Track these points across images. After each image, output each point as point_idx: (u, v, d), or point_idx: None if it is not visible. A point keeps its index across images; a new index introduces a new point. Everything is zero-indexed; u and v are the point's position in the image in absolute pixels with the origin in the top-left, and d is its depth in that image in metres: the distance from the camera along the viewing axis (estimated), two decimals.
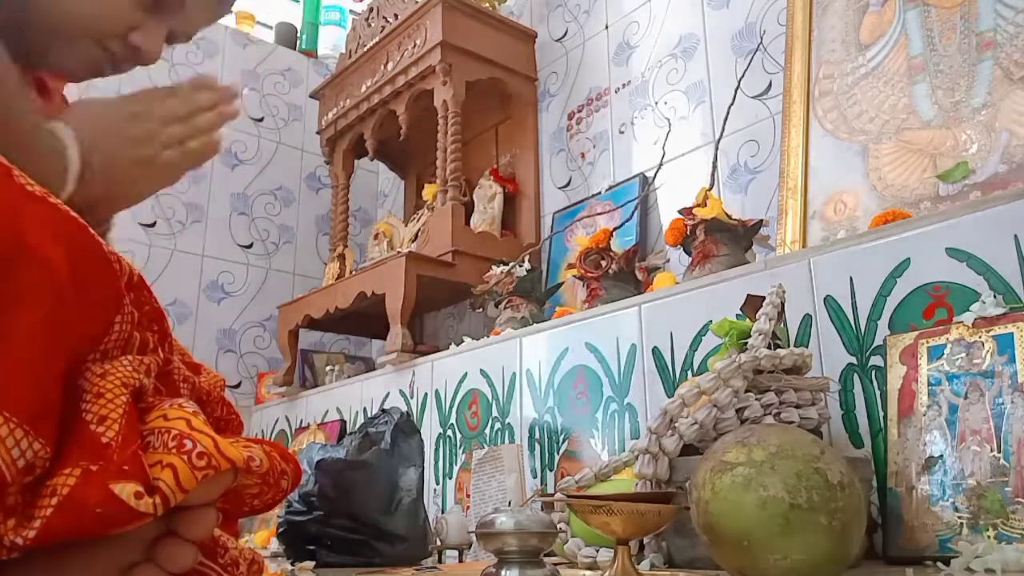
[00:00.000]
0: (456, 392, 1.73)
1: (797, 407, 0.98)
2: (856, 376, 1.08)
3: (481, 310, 1.95)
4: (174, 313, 2.45)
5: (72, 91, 0.84)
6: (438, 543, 1.32)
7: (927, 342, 0.97)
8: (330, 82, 2.55)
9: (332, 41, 3.03)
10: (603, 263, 1.60)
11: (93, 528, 0.40)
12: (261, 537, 1.78)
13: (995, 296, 0.94)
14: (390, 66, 2.25)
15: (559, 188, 2.11)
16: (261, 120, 2.80)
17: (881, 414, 1.02)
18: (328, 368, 2.31)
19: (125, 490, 0.40)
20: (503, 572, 0.75)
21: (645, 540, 0.98)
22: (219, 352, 2.53)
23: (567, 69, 2.17)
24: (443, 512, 1.58)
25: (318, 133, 2.59)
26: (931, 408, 0.94)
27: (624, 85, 1.98)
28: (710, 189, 1.43)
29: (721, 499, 0.69)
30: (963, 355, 0.93)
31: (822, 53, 1.48)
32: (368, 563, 1.23)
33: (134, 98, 0.69)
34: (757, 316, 1.05)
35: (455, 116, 2.08)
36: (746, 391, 0.97)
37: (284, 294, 2.62)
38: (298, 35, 3.04)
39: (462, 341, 1.80)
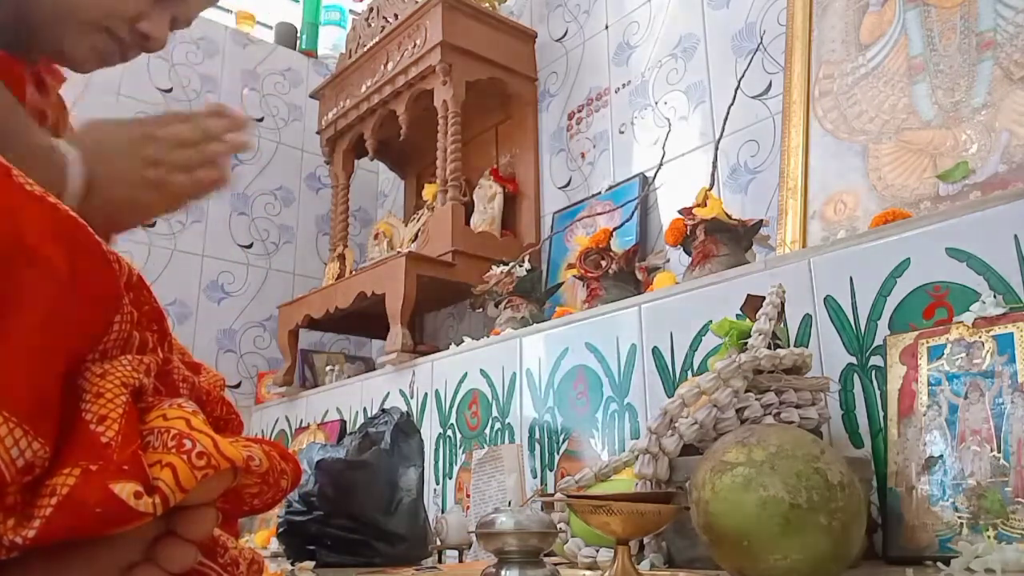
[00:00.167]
0: (456, 392, 1.73)
1: (797, 407, 0.98)
2: (856, 376, 1.08)
3: (481, 310, 1.95)
4: (174, 313, 2.45)
5: (75, 88, 0.85)
6: (438, 543, 1.32)
7: (927, 342, 0.97)
8: (330, 82, 2.55)
9: (332, 41, 3.02)
10: (603, 263, 1.60)
11: (93, 528, 0.40)
12: (261, 537, 1.78)
13: (995, 296, 0.94)
14: (390, 66, 2.25)
15: (559, 188, 2.11)
16: (261, 120, 2.80)
17: (881, 414, 1.02)
18: (328, 368, 2.31)
19: (125, 490, 0.40)
20: (503, 572, 0.75)
21: (645, 540, 0.98)
22: (219, 352, 2.53)
23: (567, 69, 2.17)
24: (443, 512, 1.58)
25: (318, 133, 2.59)
26: (931, 408, 0.94)
27: (624, 85, 1.98)
28: (710, 189, 1.43)
29: (721, 499, 0.69)
30: (963, 355, 0.93)
31: (822, 53, 1.48)
32: (368, 563, 1.23)
33: (147, 120, 0.69)
34: (757, 316, 1.05)
35: (455, 116, 2.08)
36: (746, 391, 0.97)
37: (284, 294, 2.62)
38: (298, 35, 3.04)
39: (462, 341, 1.80)
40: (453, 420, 1.72)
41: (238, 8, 2.98)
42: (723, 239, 1.37)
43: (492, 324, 1.84)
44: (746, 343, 1.03)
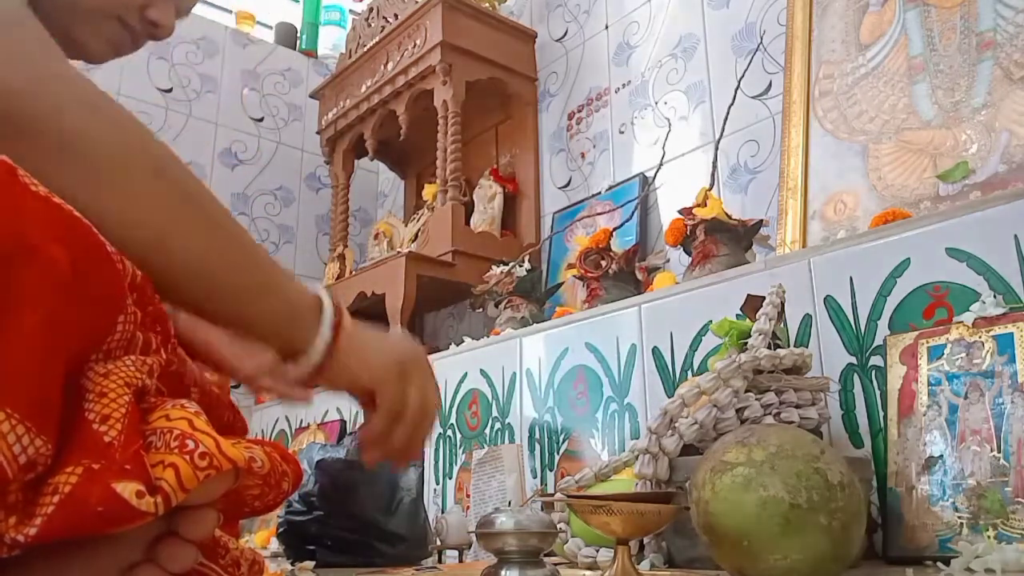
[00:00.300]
0: (456, 392, 1.73)
1: (797, 407, 0.98)
2: (856, 376, 1.08)
3: (481, 310, 1.95)
4: None
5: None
6: (438, 543, 1.32)
7: (927, 342, 0.97)
8: (330, 82, 2.55)
9: (332, 41, 3.02)
10: (603, 263, 1.60)
11: (94, 527, 0.40)
12: (261, 537, 1.78)
13: (995, 296, 0.94)
14: (390, 66, 2.25)
15: (559, 188, 2.11)
16: (261, 120, 2.80)
17: (881, 414, 1.02)
18: None
19: (127, 489, 0.40)
20: (503, 572, 0.75)
21: (645, 540, 0.98)
22: None
23: (567, 69, 2.17)
24: (443, 512, 1.58)
25: (318, 133, 2.59)
26: (931, 408, 0.94)
27: (624, 85, 1.98)
28: (710, 189, 1.43)
29: (721, 499, 0.69)
30: (963, 355, 0.93)
31: (822, 53, 1.48)
32: (368, 563, 1.23)
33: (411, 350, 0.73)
34: (757, 316, 1.05)
35: (455, 116, 2.08)
36: (746, 391, 0.97)
37: None
38: (298, 35, 3.04)
39: (462, 341, 1.80)
40: (453, 420, 1.72)
41: (238, 8, 2.98)
42: (723, 239, 1.37)
43: (492, 324, 1.84)
44: (746, 343, 1.03)
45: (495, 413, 1.63)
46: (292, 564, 1.24)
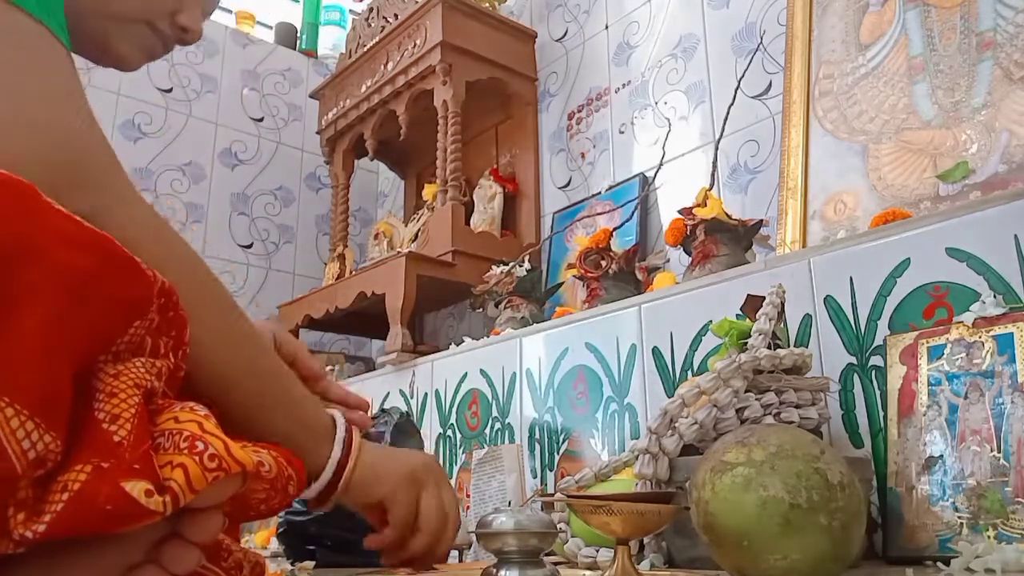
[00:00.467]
0: (456, 392, 1.73)
1: (797, 407, 0.98)
2: (856, 376, 1.08)
3: (481, 310, 1.95)
4: None
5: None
6: None
7: (927, 342, 0.97)
8: (330, 82, 2.55)
9: (332, 41, 3.02)
10: (603, 263, 1.60)
11: (103, 525, 0.40)
12: (261, 537, 1.77)
13: (995, 296, 0.94)
14: (390, 66, 2.25)
15: (559, 188, 2.11)
16: (261, 120, 2.80)
17: (881, 414, 1.02)
18: (328, 368, 2.31)
19: (136, 488, 0.40)
20: (503, 572, 0.75)
21: (645, 540, 0.98)
22: None
23: (567, 69, 2.17)
24: None
25: (318, 133, 2.59)
26: (931, 408, 0.94)
27: (624, 85, 1.98)
28: (710, 189, 1.43)
29: (721, 499, 0.69)
30: (963, 355, 0.93)
31: (822, 53, 1.48)
32: (368, 563, 1.23)
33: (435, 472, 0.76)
34: (757, 316, 1.05)
35: (455, 116, 2.08)
36: (746, 391, 0.97)
37: (284, 294, 2.62)
38: (298, 35, 3.04)
39: (462, 341, 1.80)
40: (453, 420, 1.72)
41: (238, 8, 2.98)
42: (723, 239, 1.37)
43: (492, 324, 1.84)
44: (746, 343, 1.03)
45: (495, 413, 1.63)
46: (292, 564, 1.24)
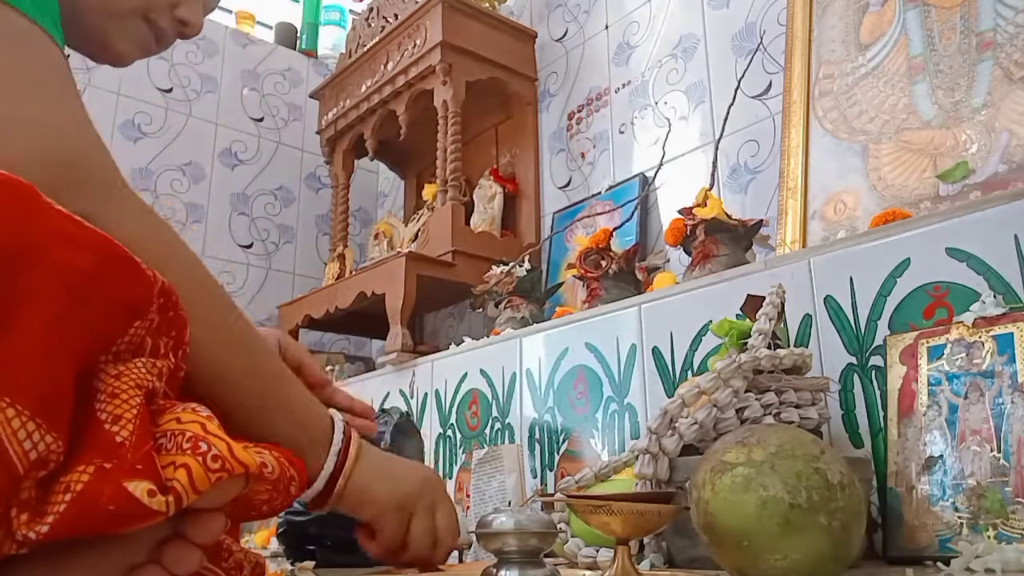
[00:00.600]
0: (456, 392, 1.73)
1: (797, 407, 0.98)
2: (856, 376, 1.08)
3: (481, 310, 1.95)
4: None
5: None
6: None
7: (927, 342, 0.97)
8: (330, 82, 2.55)
9: (332, 41, 3.02)
10: (603, 263, 1.60)
11: (105, 525, 0.40)
12: (261, 537, 1.77)
13: (995, 296, 0.94)
14: (390, 66, 2.25)
15: (559, 188, 2.11)
16: (261, 120, 2.80)
17: (881, 414, 1.02)
18: (328, 368, 2.31)
19: (139, 488, 0.40)
20: (503, 572, 0.75)
21: (645, 540, 0.98)
22: None
23: (567, 69, 2.18)
24: None
25: (318, 133, 2.59)
26: (931, 408, 0.94)
27: (624, 85, 1.98)
28: (710, 189, 1.43)
29: (721, 499, 0.69)
30: (963, 355, 0.93)
31: (822, 53, 1.48)
32: (368, 563, 1.23)
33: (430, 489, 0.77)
34: (757, 316, 1.05)
35: (455, 116, 2.08)
36: (746, 391, 0.97)
37: (284, 294, 2.62)
38: (298, 35, 3.04)
39: (462, 341, 1.80)
40: (453, 420, 1.72)
41: (238, 8, 2.98)
42: (723, 239, 1.37)
43: (492, 324, 1.84)
44: (746, 343, 1.03)
45: (495, 413, 1.63)
46: (292, 564, 1.24)
